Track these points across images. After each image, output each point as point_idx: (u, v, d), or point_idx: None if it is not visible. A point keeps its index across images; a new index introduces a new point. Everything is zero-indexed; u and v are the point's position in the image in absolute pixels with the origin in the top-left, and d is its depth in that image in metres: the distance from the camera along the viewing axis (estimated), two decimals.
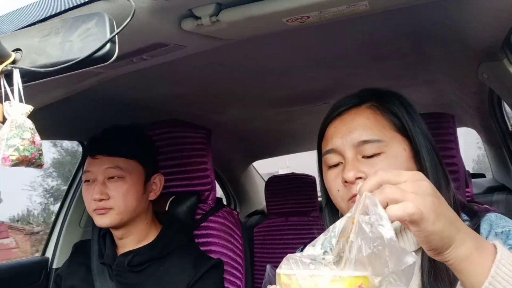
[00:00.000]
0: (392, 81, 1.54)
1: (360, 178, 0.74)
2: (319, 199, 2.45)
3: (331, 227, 0.54)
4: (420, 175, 0.54)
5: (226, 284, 1.26)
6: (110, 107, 1.41)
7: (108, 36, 0.59)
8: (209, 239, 1.33)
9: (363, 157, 0.75)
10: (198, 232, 1.35)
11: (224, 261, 1.27)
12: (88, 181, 1.18)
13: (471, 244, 0.53)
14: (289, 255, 0.54)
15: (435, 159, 0.77)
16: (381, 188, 0.52)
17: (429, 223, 0.50)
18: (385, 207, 0.50)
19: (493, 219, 0.73)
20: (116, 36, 0.59)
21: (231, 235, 1.36)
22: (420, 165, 0.76)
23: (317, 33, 1.04)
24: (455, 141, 1.26)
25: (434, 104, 1.89)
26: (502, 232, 0.70)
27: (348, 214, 0.53)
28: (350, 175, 0.73)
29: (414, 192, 0.51)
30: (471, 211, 0.79)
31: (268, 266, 2.02)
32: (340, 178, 0.77)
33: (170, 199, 1.40)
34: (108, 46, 0.59)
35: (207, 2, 0.77)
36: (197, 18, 0.80)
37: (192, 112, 1.65)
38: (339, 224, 0.53)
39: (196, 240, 1.34)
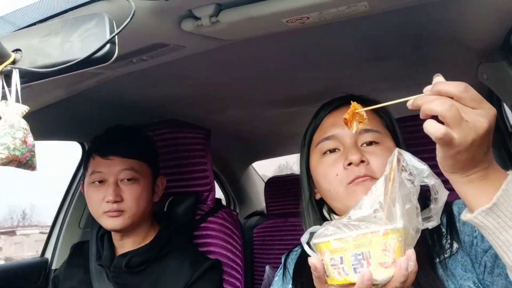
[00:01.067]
0: (391, 81, 1.54)
1: (363, 162, 0.79)
2: None
3: (372, 187, 0.60)
4: (491, 113, 0.55)
5: (225, 285, 1.26)
6: (110, 108, 1.41)
7: (108, 36, 0.59)
8: (208, 240, 1.33)
9: (362, 144, 0.82)
10: (197, 232, 1.35)
11: (223, 262, 1.27)
12: (96, 182, 1.15)
13: (485, 172, 0.56)
14: (326, 222, 0.60)
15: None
16: (445, 100, 0.53)
17: (453, 151, 0.54)
18: (431, 116, 0.53)
19: (461, 204, 0.80)
20: (116, 36, 0.59)
21: (230, 236, 1.36)
22: None
23: (317, 34, 1.04)
24: None
25: None
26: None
27: (385, 173, 0.58)
28: (355, 157, 0.79)
29: (470, 122, 0.52)
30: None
31: (267, 267, 2.02)
32: (339, 163, 0.82)
33: (169, 200, 1.40)
34: (108, 46, 0.59)
35: (207, 3, 0.77)
36: (197, 18, 0.80)
37: (192, 112, 1.65)
38: (379, 184, 0.59)
39: (195, 241, 1.33)
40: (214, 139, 1.47)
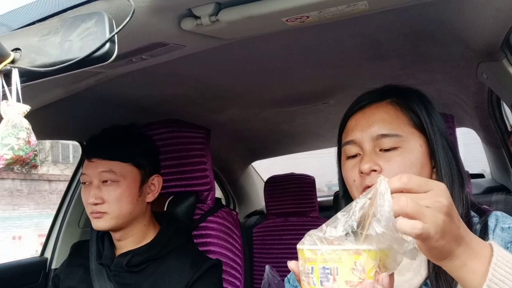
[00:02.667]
0: (391, 80, 1.54)
1: (375, 170, 0.76)
2: (319, 199, 2.46)
3: (350, 209, 0.58)
4: (442, 189, 0.54)
5: (225, 285, 1.26)
6: (109, 107, 1.41)
7: (108, 35, 0.58)
8: (208, 239, 1.33)
9: (381, 150, 0.78)
10: (197, 232, 1.35)
11: (223, 261, 1.27)
12: (85, 183, 1.18)
13: (468, 255, 0.55)
14: (311, 231, 0.59)
15: (450, 157, 0.79)
16: (397, 197, 0.52)
17: (433, 241, 0.52)
18: (396, 216, 0.52)
19: (499, 215, 0.77)
20: (116, 35, 0.59)
21: (230, 236, 1.36)
22: (434, 162, 0.79)
23: (317, 33, 1.04)
24: (454, 141, 1.26)
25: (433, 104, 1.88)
26: (509, 227, 0.74)
27: (368, 196, 0.56)
28: (365, 167, 0.76)
29: (430, 206, 0.52)
30: (479, 210, 0.82)
31: (267, 267, 2.02)
32: (357, 169, 0.79)
33: (169, 199, 1.39)
34: (107, 45, 0.59)
35: (206, 2, 0.77)
36: (197, 17, 0.80)
37: (191, 112, 1.65)
38: (358, 206, 0.57)
39: (195, 240, 1.33)
40: (214, 138, 1.47)
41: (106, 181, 1.14)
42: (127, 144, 1.21)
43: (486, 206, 0.95)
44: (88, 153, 1.19)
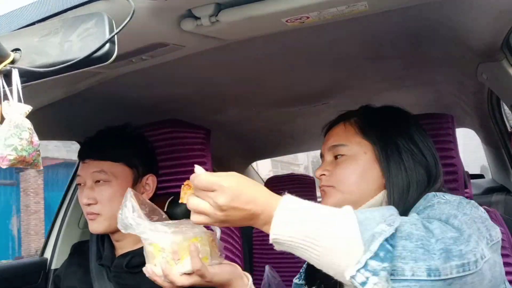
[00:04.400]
0: (391, 81, 1.55)
1: (323, 175, 0.95)
2: (319, 199, 2.46)
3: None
4: (224, 189, 0.70)
5: None
6: (109, 107, 1.41)
7: (108, 36, 0.58)
8: None
9: (335, 157, 0.96)
10: None
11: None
12: (80, 184, 1.18)
13: (264, 221, 0.71)
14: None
15: (402, 163, 0.90)
16: (192, 198, 0.76)
17: (215, 224, 0.74)
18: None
19: (429, 197, 0.85)
20: (116, 36, 0.59)
21: (230, 236, 1.35)
22: (382, 166, 0.90)
23: (317, 33, 1.04)
24: (454, 141, 1.26)
25: (433, 105, 1.89)
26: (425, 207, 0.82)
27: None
28: (316, 173, 0.98)
29: (211, 204, 0.71)
30: None
31: (267, 267, 2.02)
32: None
33: (169, 200, 1.39)
34: (107, 46, 0.59)
35: (206, 2, 0.77)
36: (197, 18, 0.80)
37: (191, 112, 1.65)
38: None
39: None
40: (214, 138, 1.47)
41: (98, 181, 1.15)
42: (118, 144, 1.21)
43: (486, 207, 1.00)
44: (82, 155, 1.20)
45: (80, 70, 0.60)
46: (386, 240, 0.62)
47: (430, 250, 0.63)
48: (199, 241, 0.84)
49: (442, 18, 0.99)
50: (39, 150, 0.62)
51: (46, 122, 1.34)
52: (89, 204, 1.13)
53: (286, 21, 0.83)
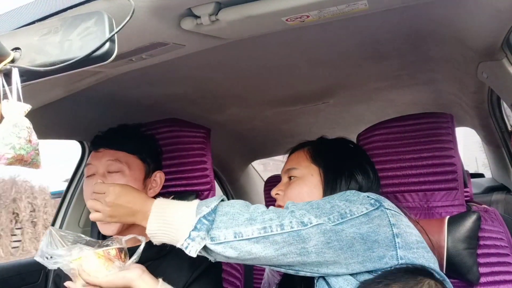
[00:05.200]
0: (391, 80, 1.54)
1: (278, 194, 1.12)
2: None
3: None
4: (110, 192, 0.96)
5: (225, 285, 1.26)
6: (109, 106, 1.41)
7: (108, 35, 0.58)
8: None
9: (290, 178, 1.12)
10: None
11: (223, 262, 1.27)
12: (89, 175, 1.18)
13: (142, 218, 0.95)
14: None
15: (337, 184, 1.05)
16: (89, 200, 1.00)
17: (109, 219, 0.97)
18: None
19: None
20: (116, 35, 0.59)
21: None
22: (324, 187, 1.05)
23: (317, 32, 1.04)
24: (454, 141, 1.26)
25: (433, 104, 1.89)
26: None
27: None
28: (272, 192, 1.14)
29: (102, 202, 0.96)
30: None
31: (267, 267, 2.02)
32: None
33: (169, 199, 1.39)
34: (107, 45, 0.58)
35: (206, 1, 0.77)
36: (197, 17, 0.80)
37: (191, 111, 1.65)
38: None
39: None
40: (213, 138, 1.47)
41: (110, 171, 1.15)
42: (134, 138, 1.23)
43: (478, 205, 1.15)
44: (95, 144, 1.20)
45: (80, 69, 0.60)
46: (204, 216, 0.88)
47: (238, 219, 0.87)
48: (83, 259, 0.98)
49: (442, 17, 0.99)
50: (38, 149, 0.62)
51: (46, 122, 1.34)
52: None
53: (286, 20, 0.83)
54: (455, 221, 1.15)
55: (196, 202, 0.94)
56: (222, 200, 0.94)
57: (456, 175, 1.24)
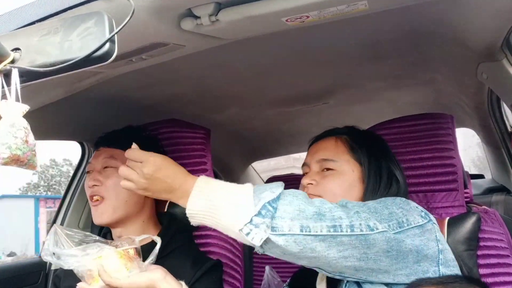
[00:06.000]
0: (391, 81, 1.54)
1: (311, 184, 1.02)
2: None
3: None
4: (149, 162, 0.86)
5: (225, 285, 1.26)
6: (109, 107, 1.41)
7: (107, 35, 0.58)
8: (208, 240, 1.33)
9: (323, 170, 1.03)
10: (197, 233, 1.34)
11: (223, 262, 1.27)
12: (88, 172, 1.22)
13: (180, 195, 0.86)
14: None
15: (380, 184, 1.00)
16: (122, 167, 0.89)
17: (141, 192, 0.89)
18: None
19: None
20: (116, 35, 0.59)
21: (230, 236, 1.35)
22: (365, 186, 1.00)
23: (317, 33, 1.04)
24: (454, 141, 1.26)
25: (433, 104, 1.89)
26: None
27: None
28: (304, 181, 1.04)
29: (138, 173, 0.86)
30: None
31: (267, 267, 2.02)
32: None
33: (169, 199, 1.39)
34: (107, 45, 0.58)
35: (206, 2, 0.77)
36: (197, 17, 0.80)
37: (191, 111, 1.65)
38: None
39: (195, 241, 1.33)
40: (214, 138, 1.47)
41: (106, 167, 1.18)
42: (132, 136, 1.23)
43: (478, 206, 1.15)
44: (96, 144, 1.26)
45: (80, 69, 0.60)
46: (268, 202, 0.79)
47: (305, 212, 0.79)
48: (103, 258, 0.91)
49: (442, 17, 0.99)
50: (34, 150, 0.61)
51: (46, 122, 1.34)
52: (94, 186, 1.16)
53: (286, 20, 0.83)
54: (455, 222, 1.15)
55: (249, 185, 0.85)
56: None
57: (456, 176, 1.24)
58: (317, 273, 1.02)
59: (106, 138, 1.25)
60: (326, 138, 1.08)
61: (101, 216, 1.16)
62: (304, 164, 1.08)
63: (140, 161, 0.86)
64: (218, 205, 0.82)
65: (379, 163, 1.02)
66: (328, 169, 1.02)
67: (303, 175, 1.08)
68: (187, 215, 0.84)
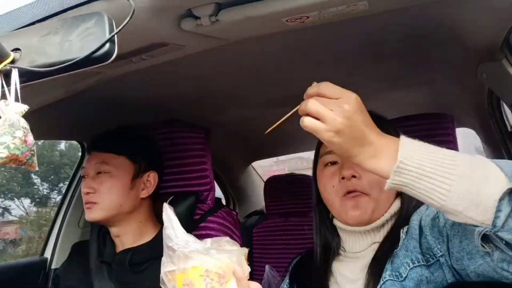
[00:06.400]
0: (391, 81, 1.54)
1: (354, 176, 0.87)
2: None
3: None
4: (350, 98, 0.65)
5: None
6: (109, 107, 1.41)
7: (107, 35, 0.58)
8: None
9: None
10: (197, 232, 1.34)
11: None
12: (84, 176, 1.23)
13: (374, 151, 0.66)
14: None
15: None
16: (307, 100, 0.67)
17: (329, 137, 0.65)
18: (303, 115, 0.67)
19: (422, 211, 0.83)
20: (116, 35, 0.59)
21: (230, 236, 1.35)
22: None
23: (317, 33, 1.04)
24: (454, 141, 1.26)
25: (433, 105, 1.89)
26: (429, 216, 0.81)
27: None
28: (347, 172, 0.87)
29: (333, 110, 0.64)
30: None
31: (267, 267, 2.02)
32: (337, 175, 0.90)
33: (169, 199, 1.39)
34: (107, 45, 0.58)
35: (206, 2, 0.77)
36: (197, 18, 0.80)
37: (191, 112, 1.64)
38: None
39: None
40: (213, 138, 1.47)
41: (100, 172, 1.19)
42: (123, 139, 1.25)
43: None
44: (89, 148, 1.27)
45: (80, 70, 0.60)
46: None
47: None
48: (240, 260, 0.75)
49: (442, 18, 0.99)
50: (33, 150, 0.61)
51: (46, 122, 1.34)
52: (88, 193, 1.17)
53: (286, 21, 0.83)
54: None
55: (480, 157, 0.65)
56: None
57: None
58: (320, 260, 0.94)
59: (97, 143, 1.25)
60: None
61: (92, 216, 1.18)
62: (331, 152, 0.94)
63: (337, 97, 0.66)
64: (448, 164, 0.61)
65: None
66: None
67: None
68: (395, 169, 0.62)
